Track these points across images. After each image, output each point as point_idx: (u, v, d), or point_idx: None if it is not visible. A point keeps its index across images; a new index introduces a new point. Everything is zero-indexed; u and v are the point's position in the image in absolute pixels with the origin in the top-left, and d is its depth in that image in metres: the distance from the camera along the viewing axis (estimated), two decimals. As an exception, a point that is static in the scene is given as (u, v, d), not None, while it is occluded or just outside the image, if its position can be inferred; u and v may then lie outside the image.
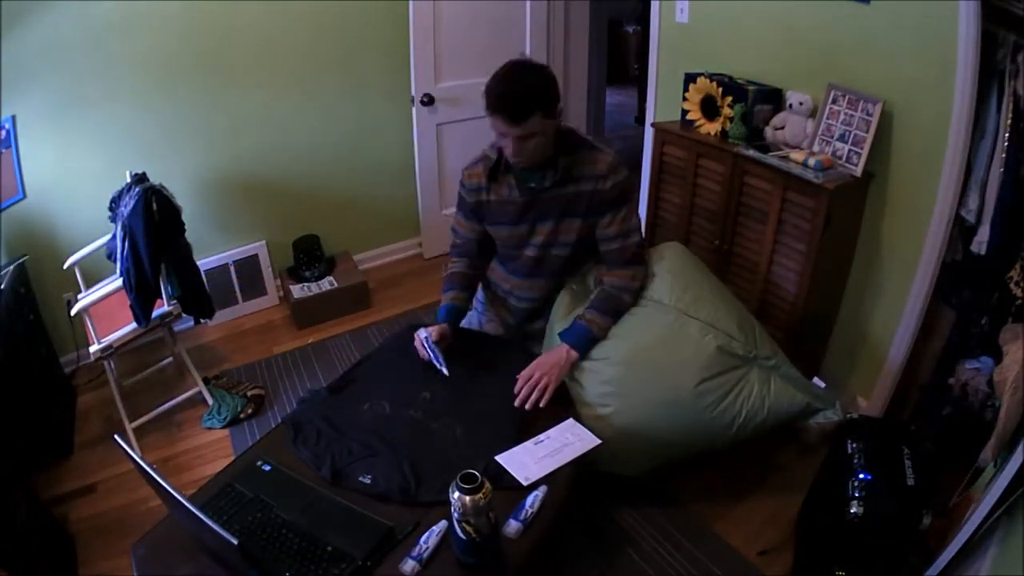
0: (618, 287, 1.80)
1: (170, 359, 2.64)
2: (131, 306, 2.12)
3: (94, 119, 2.51)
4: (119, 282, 2.15)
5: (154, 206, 2.06)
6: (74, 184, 2.53)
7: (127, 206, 2.08)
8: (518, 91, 1.60)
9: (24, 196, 2.44)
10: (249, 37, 2.72)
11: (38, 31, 2.28)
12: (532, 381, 1.67)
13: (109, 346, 2.13)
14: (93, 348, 2.12)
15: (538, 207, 1.79)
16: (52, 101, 2.40)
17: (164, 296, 2.21)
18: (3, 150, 2.34)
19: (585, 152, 1.73)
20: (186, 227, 2.24)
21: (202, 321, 2.76)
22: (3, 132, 2.31)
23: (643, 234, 1.82)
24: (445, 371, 1.73)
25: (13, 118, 2.34)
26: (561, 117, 1.70)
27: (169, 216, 2.14)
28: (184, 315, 2.36)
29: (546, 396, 1.66)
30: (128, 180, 2.17)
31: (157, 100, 2.62)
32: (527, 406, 1.64)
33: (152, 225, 2.04)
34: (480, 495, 1.18)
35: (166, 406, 2.38)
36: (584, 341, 1.75)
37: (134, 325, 2.16)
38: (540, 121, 1.60)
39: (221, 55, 2.69)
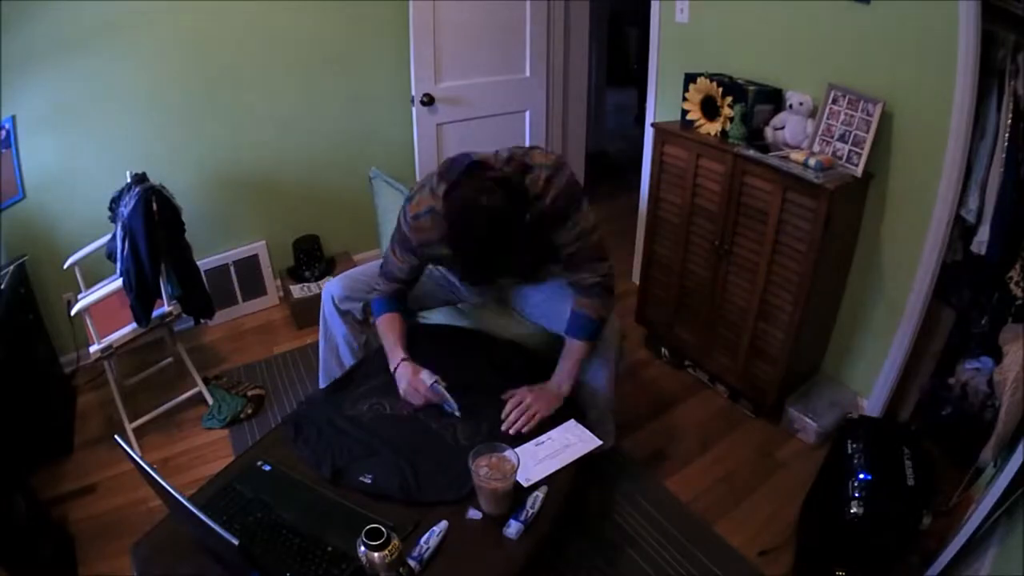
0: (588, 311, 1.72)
1: (170, 359, 2.64)
2: (131, 306, 2.11)
3: (94, 119, 2.50)
4: (119, 282, 2.14)
5: (154, 206, 2.06)
6: (74, 184, 2.53)
7: (127, 206, 2.08)
8: (495, 257, 1.45)
9: (24, 196, 2.44)
10: (250, 37, 2.72)
11: (38, 31, 2.27)
12: (522, 408, 1.62)
13: (109, 346, 2.13)
14: (93, 348, 2.12)
15: None
16: (52, 101, 2.40)
17: (164, 296, 2.21)
18: (3, 150, 2.33)
19: (527, 177, 1.53)
20: (186, 227, 2.24)
21: (202, 321, 2.76)
22: (3, 132, 2.31)
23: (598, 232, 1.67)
24: (457, 411, 1.62)
25: (13, 118, 2.34)
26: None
27: (169, 216, 2.14)
28: (184, 315, 2.36)
29: (531, 424, 1.60)
30: (128, 180, 2.17)
31: (157, 100, 2.62)
32: (511, 431, 1.58)
33: (152, 225, 2.04)
34: (387, 551, 1.15)
35: (166, 406, 2.38)
36: (590, 330, 1.71)
37: (134, 325, 2.16)
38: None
39: (221, 55, 2.69)
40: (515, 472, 1.36)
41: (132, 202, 2.05)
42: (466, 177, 1.44)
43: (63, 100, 2.42)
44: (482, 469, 1.36)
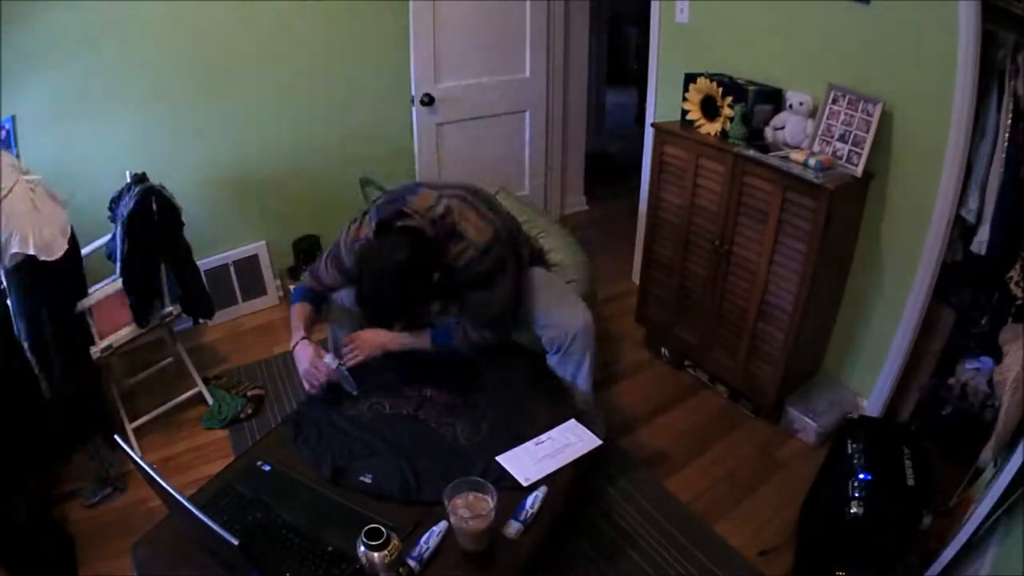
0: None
1: (170, 359, 2.64)
2: (131, 306, 2.12)
3: (94, 119, 2.50)
4: (119, 282, 2.15)
5: (154, 206, 2.06)
6: (74, 184, 2.51)
7: (127, 206, 2.08)
8: (387, 309, 1.71)
9: (24, 196, 2.44)
10: (249, 37, 2.72)
11: (38, 31, 2.27)
12: (353, 345, 1.76)
13: (109, 346, 2.13)
14: (93, 348, 2.12)
15: None
16: (52, 101, 2.40)
17: (164, 296, 2.21)
18: (3, 150, 2.33)
19: (451, 246, 1.67)
20: (186, 227, 2.24)
21: (202, 321, 2.76)
22: (3, 132, 2.31)
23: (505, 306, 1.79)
24: (356, 391, 1.72)
25: (13, 118, 2.33)
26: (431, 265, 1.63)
27: (169, 216, 2.14)
28: (184, 315, 2.36)
29: (353, 362, 1.73)
30: (128, 180, 2.17)
31: (157, 100, 2.61)
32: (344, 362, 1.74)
33: (152, 225, 2.05)
34: (386, 551, 1.15)
35: (166, 406, 2.38)
36: (446, 338, 1.79)
37: (134, 325, 2.16)
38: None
39: (221, 54, 2.69)
40: (493, 510, 1.28)
41: (132, 202, 2.05)
42: (384, 230, 1.65)
43: (63, 100, 2.42)
44: (460, 510, 1.29)
